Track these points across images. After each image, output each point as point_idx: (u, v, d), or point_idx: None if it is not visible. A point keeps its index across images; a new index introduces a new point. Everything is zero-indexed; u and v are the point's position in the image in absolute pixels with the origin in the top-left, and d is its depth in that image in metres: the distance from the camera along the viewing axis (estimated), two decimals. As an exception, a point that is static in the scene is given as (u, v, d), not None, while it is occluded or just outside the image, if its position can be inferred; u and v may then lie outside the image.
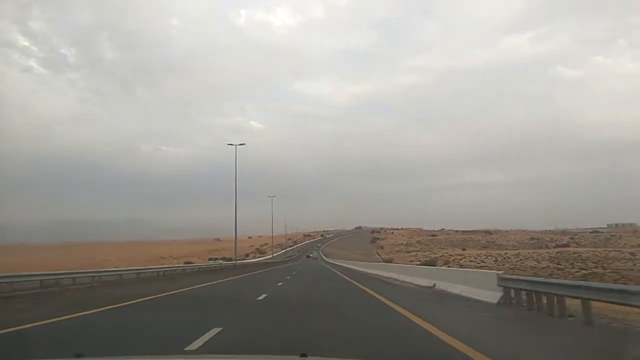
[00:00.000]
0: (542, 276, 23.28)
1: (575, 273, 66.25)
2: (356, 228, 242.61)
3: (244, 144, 55.19)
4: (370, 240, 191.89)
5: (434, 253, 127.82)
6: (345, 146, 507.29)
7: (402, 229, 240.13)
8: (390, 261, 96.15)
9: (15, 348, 6.36)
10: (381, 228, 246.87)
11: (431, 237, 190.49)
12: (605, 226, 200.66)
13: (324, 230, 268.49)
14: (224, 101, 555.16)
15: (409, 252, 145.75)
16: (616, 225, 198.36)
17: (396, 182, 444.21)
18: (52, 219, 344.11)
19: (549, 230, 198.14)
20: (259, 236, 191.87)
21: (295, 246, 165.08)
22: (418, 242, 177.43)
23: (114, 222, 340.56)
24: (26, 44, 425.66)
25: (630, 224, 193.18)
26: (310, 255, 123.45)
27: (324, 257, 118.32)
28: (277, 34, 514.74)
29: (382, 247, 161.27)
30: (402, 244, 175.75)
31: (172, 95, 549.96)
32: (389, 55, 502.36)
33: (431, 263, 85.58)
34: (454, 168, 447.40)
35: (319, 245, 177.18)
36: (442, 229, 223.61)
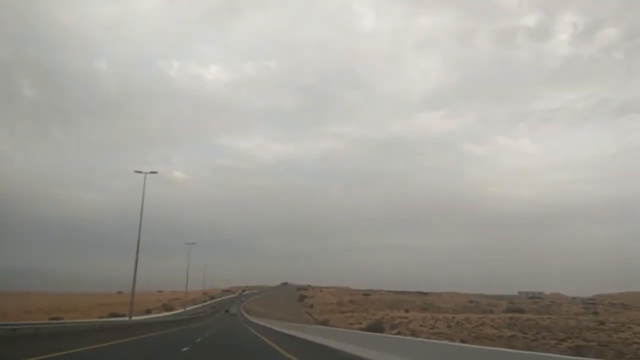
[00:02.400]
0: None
1: (557, 346, 54.90)
2: (282, 284, 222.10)
3: (156, 172, 44.57)
4: (298, 298, 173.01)
5: (372, 314, 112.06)
6: (270, 202, 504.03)
7: (330, 287, 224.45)
8: (326, 323, 79.44)
9: None
10: (308, 285, 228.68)
11: (363, 297, 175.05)
12: (517, 294, 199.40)
13: (246, 286, 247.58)
14: (147, 149, 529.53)
15: (342, 312, 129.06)
16: (526, 293, 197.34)
17: (321, 240, 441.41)
18: None
19: (481, 294, 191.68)
20: (172, 291, 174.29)
21: (211, 301, 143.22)
22: (350, 301, 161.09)
23: (10, 270, 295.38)
24: None
25: (539, 293, 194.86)
26: (229, 310, 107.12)
27: (245, 314, 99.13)
28: (209, 88, 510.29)
29: (311, 306, 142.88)
30: (332, 302, 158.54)
31: (91, 138, 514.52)
32: (312, 120, 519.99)
33: (377, 328, 70.00)
34: (376, 230, 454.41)
35: (241, 300, 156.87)
36: (371, 289, 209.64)
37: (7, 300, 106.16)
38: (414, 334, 68.31)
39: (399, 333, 70.45)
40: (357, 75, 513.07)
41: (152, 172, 43.76)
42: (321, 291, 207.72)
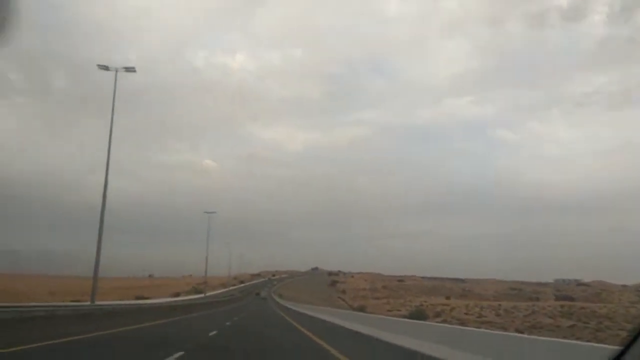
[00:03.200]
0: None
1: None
2: (312, 269, 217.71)
3: (133, 69, 30.99)
4: (329, 283, 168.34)
5: (409, 301, 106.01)
6: (297, 190, 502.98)
7: (361, 273, 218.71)
8: (362, 310, 74.09)
9: None
10: (339, 271, 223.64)
11: (397, 283, 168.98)
12: (552, 281, 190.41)
13: (276, 271, 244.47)
14: (177, 139, 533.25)
15: (376, 298, 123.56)
16: (563, 280, 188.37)
17: (350, 227, 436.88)
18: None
19: (517, 282, 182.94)
20: (203, 276, 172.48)
21: (240, 285, 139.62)
22: (383, 287, 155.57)
23: (50, 254, 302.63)
24: None
25: (576, 280, 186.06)
26: (260, 293, 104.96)
27: (276, 298, 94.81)
28: (235, 77, 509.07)
29: (344, 292, 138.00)
30: (365, 288, 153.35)
31: (122, 129, 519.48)
32: (338, 108, 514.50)
33: (419, 315, 64.02)
34: (406, 216, 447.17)
35: (272, 284, 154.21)
36: (404, 275, 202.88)
37: (39, 281, 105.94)
38: (462, 323, 62.07)
39: (444, 321, 64.38)
40: (383, 62, 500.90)
41: (127, 68, 30.58)
42: (353, 277, 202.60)
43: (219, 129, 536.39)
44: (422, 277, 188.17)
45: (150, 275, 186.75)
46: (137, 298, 66.34)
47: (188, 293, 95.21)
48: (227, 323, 22.40)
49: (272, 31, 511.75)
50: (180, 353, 10.28)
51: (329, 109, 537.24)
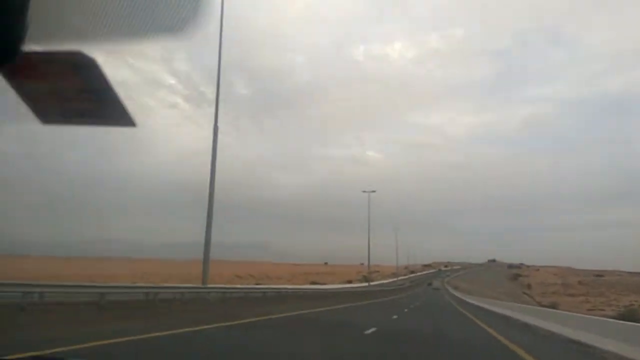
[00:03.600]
0: None
1: None
2: (489, 261, 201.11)
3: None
4: (510, 276, 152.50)
5: (614, 299, 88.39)
6: (467, 177, 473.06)
7: (547, 266, 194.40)
8: (555, 307, 62.73)
9: None
10: (521, 263, 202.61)
11: (595, 278, 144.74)
12: None
13: (448, 262, 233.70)
14: (342, 132, 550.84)
15: (571, 295, 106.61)
16: None
17: (530, 215, 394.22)
18: (190, 238, 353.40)
19: None
20: (374, 264, 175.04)
21: (411, 275, 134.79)
22: (579, 282, 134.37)
23: (239, 244, 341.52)
24: (172, 82, 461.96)
25: None
26: (432, 283, 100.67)
27: (450, 289, 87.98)
28: (395, 66, 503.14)
29: (529, 287, 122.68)
30: (556, 283, 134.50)
31: (293, 127, 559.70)
32: (507, 86, 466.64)
33: (632, 317, 50.84)
34: (596, 203, 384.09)
35: (445, 275, 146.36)
36: (603, 269, 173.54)
37: (235, 267, 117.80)
38: None
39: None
40: (560, 30, 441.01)
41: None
42: (538, 270, 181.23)
43: (381, 119, 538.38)
44: (629, 272, 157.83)
45: (325, 263, 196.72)
46: (312, 283, 70.21)
47: (359, 281, 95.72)
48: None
49: (429, 12, 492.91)
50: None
51: (497, 88, 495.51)
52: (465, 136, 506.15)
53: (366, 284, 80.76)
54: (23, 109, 0.68)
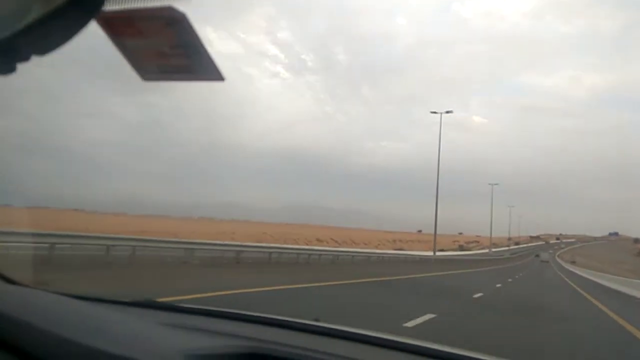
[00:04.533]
0: None
1: None
2: (610, 234, 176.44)
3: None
4: (637, 252, 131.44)
5: None
6: (587, 143, 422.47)
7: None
8: None
9: None
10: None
11: None
12: None
13: (560, 234, 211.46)
14: (446, 96, 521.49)
15: None
16: None
17: None
18: (284, 203, 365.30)
19: None
20: (475, 235, 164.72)
21: (515, 247, 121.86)
22: None
23: (337, 210, 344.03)
24: (275, 52, 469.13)
25: None
26: (540, 255, 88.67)
27: (562, 263, 78.62)
28: (507, 22, 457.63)
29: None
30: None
31: (393, 92, 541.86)
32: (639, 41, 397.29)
33: None
34: None
35: (556, 247, 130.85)
36: None
37: (331, 232, 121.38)
38: None
39: None
40: None
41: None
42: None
43: (488, 80, 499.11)
44: None
45: (419, 231, 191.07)
46: (396, 249, 70.83)
47: (454, 251, 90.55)
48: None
49: None
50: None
51: (627, 44, 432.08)
52: (586, 98, 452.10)
53: (460, 252, 79.63)
54: (126, 67, 0.74)
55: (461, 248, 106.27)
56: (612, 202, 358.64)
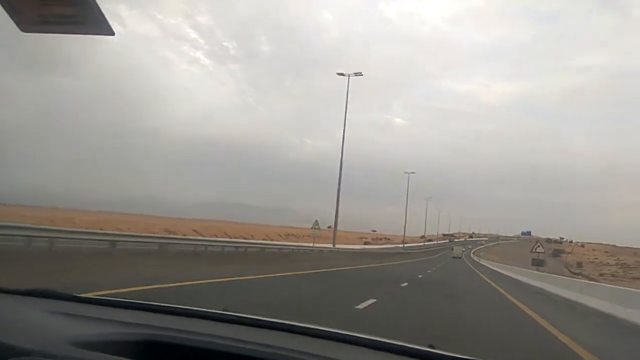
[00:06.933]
0: None
1: None
2: (523, 233, 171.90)
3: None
4: (550, 253, 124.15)
5: None
6: (499, 146, 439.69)
7: (591, 243, 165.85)
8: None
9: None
10: (561, 238, 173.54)
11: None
12: None
13: (473, 232, 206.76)
14: (368, 95, 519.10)
15: (636, 278, 78.92)
16: None
17: (565, 192, 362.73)
18: (199, 197, 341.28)
19: None
20: (390, 234, 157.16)
21: (428, 243, 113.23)
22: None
23: (262, 207, 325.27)
24: (195, 36, 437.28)
25: None
26: (453, 251, 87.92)
27: (475, 259, 76.58)
28: (428, 25, 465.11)
29: (581, 266, 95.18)
30: (610, 264, 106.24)
31: (317, 88, 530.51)
32: (550, 52, 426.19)
33: None
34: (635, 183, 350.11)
35: (470, 247, 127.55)
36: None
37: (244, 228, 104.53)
38: None
39: None
40: None
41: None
42: (582, 246, 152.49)
43: (410, 82, 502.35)
44: None
45: (329, 227, 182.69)
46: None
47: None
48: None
49: None
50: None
51: (537, 54, 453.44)
52: (499, 104, 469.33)
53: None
54: (3, 16, 0.65)
55: (365, 244, 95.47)
56: (524, 203, 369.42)
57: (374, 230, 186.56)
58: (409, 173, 78.91)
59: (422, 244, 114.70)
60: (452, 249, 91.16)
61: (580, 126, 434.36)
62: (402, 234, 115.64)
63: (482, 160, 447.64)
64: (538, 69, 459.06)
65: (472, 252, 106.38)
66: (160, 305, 1.53)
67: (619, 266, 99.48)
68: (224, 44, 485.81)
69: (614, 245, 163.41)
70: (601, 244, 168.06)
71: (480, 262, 65.58)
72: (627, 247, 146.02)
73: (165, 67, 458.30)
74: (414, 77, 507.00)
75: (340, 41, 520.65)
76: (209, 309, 1.54)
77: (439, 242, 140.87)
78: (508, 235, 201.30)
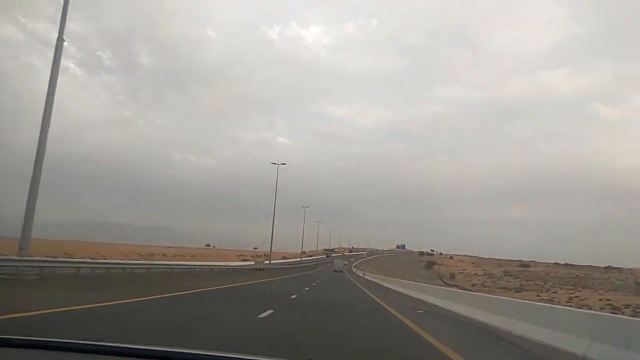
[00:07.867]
0: None
1: None
2: (398, 246, 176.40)
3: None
4: (424, 265, 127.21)
5: (584, 298, 63.73)
6: (375, 168, 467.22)
7: (458, 255, 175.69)
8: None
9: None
10: (432, 250, 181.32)
11: (521, 269, 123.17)
12: None
13: (352, 247, 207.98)
14: (253, 114, 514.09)
15: (504, 288, 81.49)
16: None
17: (428, 209, 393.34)
18: (73, 218, 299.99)
19: None
20: (272, 251, 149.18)
21: (306, 258, 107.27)
22: (505, 272, 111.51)
23: (134, 226, 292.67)
24: (64, 44, 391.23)
25: None
26: (334, 264, 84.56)
27: (358, 273, 75.09)
28: (310, 51, 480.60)
29: (453, 277, 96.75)
30: (478, 274, 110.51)
31: (201, 104, 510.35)
32: (417, 82, 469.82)
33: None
34: (491, 201, 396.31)
35: (352, 260, 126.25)
36: (522, 260, 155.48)
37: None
38: None
39: None
40: (468, 31, 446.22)
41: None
42: (451, 258, 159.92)
43: (293, 104, 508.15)
44: (554, 263, 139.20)
45: (207, 245, 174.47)
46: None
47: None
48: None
49: (347, 0, 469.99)
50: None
51: (407, 84, 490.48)
52: (373, 128, 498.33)
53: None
54: None
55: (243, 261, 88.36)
56: (398, 219, 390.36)
57: (255, 248, 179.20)
58: (279, 164, 68.91)
59: (298, 259, 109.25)
60: (334, 262, 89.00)
61: (443, 149, 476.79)
62: (286, 250, 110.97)
63: (359, 180, 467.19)
64: (407, 96, 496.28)
65: (352, 265, 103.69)
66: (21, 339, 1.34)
67: (487, 276, 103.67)
68: (98, 53, 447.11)
69: (479, 257, 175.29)
70: (466, 255, 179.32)
71: (365, 276, 63.51)
72: (491, 258, 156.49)
73: (29, 75, 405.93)
74: (297, 98, 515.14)
75: (224, 60, 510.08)
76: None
77: (318, 257, 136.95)
78: (384, 249, 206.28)
